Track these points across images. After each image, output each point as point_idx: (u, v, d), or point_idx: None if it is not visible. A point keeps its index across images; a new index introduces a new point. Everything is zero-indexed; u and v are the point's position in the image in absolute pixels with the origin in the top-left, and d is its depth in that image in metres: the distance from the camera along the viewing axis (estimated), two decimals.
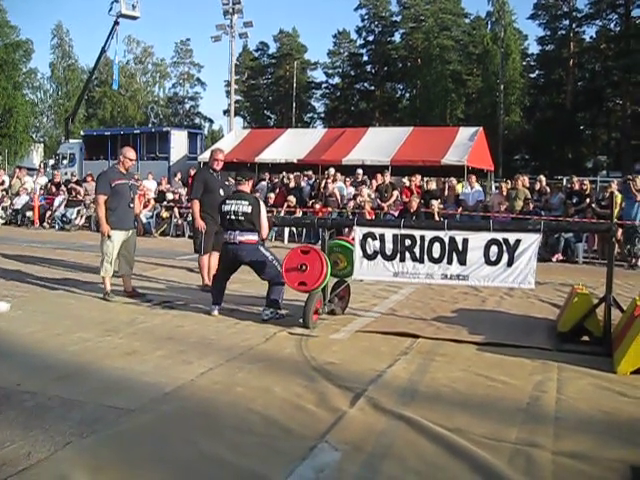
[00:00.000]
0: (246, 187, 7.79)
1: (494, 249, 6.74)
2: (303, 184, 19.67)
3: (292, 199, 18.13)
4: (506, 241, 6.72)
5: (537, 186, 16.93)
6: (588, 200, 15.24)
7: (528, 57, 59.80)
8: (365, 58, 67.56)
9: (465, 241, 6.85)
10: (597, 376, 5.43)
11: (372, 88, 67.31)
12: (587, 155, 56.48)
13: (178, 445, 3.85)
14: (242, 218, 7.39)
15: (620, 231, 11.86)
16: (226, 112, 64.09)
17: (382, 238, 7.18)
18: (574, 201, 15.31)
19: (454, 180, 19.06)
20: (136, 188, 8.87)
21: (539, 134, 53.12)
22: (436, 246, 6.93)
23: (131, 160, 8.57)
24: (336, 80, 70.93)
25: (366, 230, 7.31)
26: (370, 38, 66.25)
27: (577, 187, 16.10)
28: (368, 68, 67.69)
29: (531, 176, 20.56)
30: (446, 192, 17.87)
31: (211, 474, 3.50)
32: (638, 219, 13.68)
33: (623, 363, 5.48)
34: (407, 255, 7.06)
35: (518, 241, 6.70)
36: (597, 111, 53.74)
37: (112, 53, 39.60)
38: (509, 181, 17.90)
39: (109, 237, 8.26)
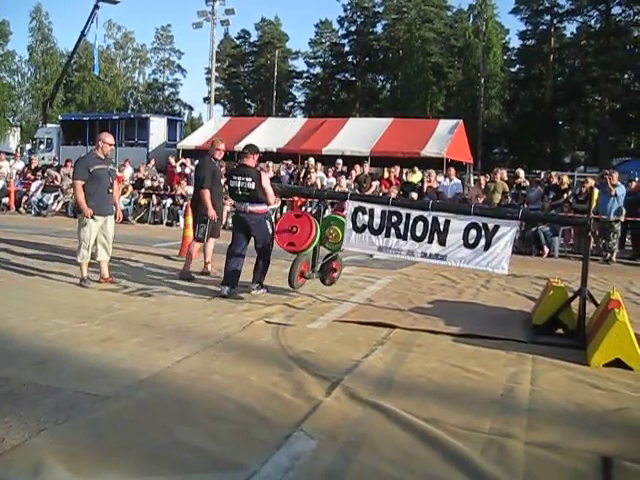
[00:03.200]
0: (251, 161, 8.22)
1: (473, 232, 6.92)
2: (282, 173, 19.62)
3: None
4: (485, 226, 6.89)
5: (518, 180, 17.02)
6: (565, 195, 15.37)
7: (509, 51, 59.91)
8: (347, 48, 67.42)
9: (447, 222, 7.08)
10: (571, 368, 5.50)
11: (353, 79, 67.24)
12: (565, 150, 56.91)
13: (153, 432, 3.85)
14: (248, 194, 7.97)
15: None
16: (206, 99, 64.06)
17: (371, 213, 7.52)
18: (551, 196, 15.44)
19: (433, 172, 19.09)
20: (115, 174, 8.80)
21: (518, 128, 53.42)
22: (419, 225, 7.21)
23: (110, 145, 8.50)
24: (317, 70, 70.83)
25: (357, 204, 7.67)
26: (352, 28, 66.10)
27: (555, 182, 16.23)
28: (349, 58, 67.61)
29: (510, 170, 20.68)
30: (425, 184, 17.90)
31: (186, 461, 3.50)
32: (613, 214, 13.83)
33: (596, 356, 5.55)
34: (392, 231, 7.37)
35: (497, 227, 6.86)
36: (576, 107, 54.05)
37: (92, 37, 39.19)
38: (488, 174, 17.98)
39: (92, 218, 8.19)
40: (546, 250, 14.06)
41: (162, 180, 19.79)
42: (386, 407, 4.34)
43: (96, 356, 5.30)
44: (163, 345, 5.69)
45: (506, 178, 16.89)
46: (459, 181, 18.66)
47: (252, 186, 7.93)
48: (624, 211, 13.98)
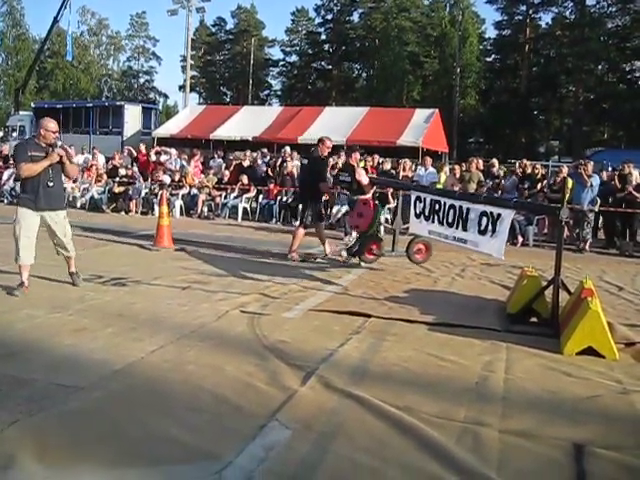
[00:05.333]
0: (352, 159, 10.79)
1: (484, 220, 7.43)
2: (259, 162, 19.50)
3: (244, 178, 17.98)
4: (492, 214, 7.35)
5: (493, 170, 17.07)
6: (540, 185, 15.45)
7: (485, 41, 60.04)
8: (323, 37, 67.26)
9: (468, 210, 7.71)
10: (544, 357, 5.54)
11: (329, 67, 67.09)
12: (540, 140, 57.30)
13: (127, 423, 3.82)
14: (347, 185, 10.27)
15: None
16: (181, 87, 63.69)
17: (424, 201, 8.60)
18: (526, 185, 15.52)
19: (408, 161, 19.09)
20: (60, 166, 7.44)
21: (494, 118, 53.67)
22: (451, 212, 8.05)
23: (54, 132, 7.38)
24: (293, 58, 70.65)
25: (417, 194, 8.87)
26: (329, 17, 65.93)
27: (529, 171, 16.31)
28: (326, 47, 67.39)
29: (485, 159, 20.74)
30: (400, 173, 17.88)
31: (161, 452, 3.48)
32: (587, 204, 13.95)
33: (569, 344, 5.60)
34: (435, 217, 8.36)
35: (499, 215, 7.26)
36: (550, 97, 54.35)
37: (65, 24, 38.57)
38: (463, 164, 18.01)
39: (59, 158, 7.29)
40: (520, 239, 14.14)
41: (135, 169, 19.55)
42: (361, 396, 4.34)
43: (70, 347, 5.25)
44: (137, 335, 5.65)
45: (482, 167, 16.94)
46: (434, 170, 18.65)
47: (349, 179, 9.93)
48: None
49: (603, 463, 3.60)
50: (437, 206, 8.31)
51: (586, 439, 3.86)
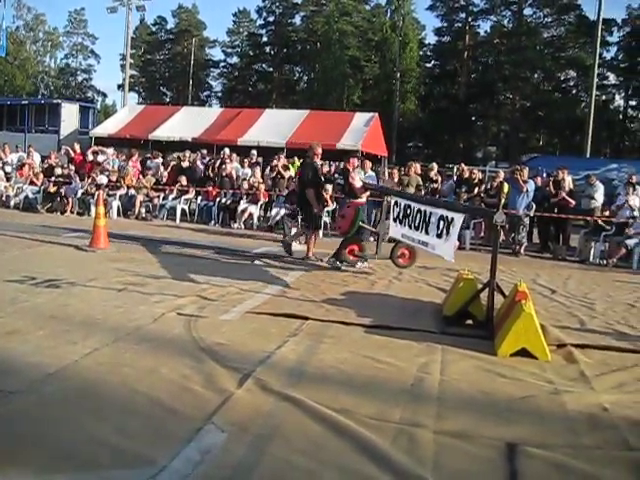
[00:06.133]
0: (348, 164, 10.68)
1: (441, 223, 7.69)
2: (198, 163, 19.34)
3: (183, 179, 17.82)
4: (447, 218, 7.59)
5: (431, 174, 17.26)
6: (477, 189, 15.70)
7: (425, 47, 60.88)
8: (265, 39, 67.17)
9: (430, 214, 7.96)
10: (479, 358, 5.63)
11: (270, 69, 67.02)
12: (477, 145, 58.37)
13: (61, 427, 3.74)
14: (341, 188, 10.71)
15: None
16: (120, 87, 62.41)
17: (400, 206, 9.03)
18: (463, 189, 15.75)
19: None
20: None
21: (433, 123, 54.42)
22: (418, 216, 8.38)
23: None
24: (234, 60, 70.37)
25: (395, 199, 9.35)
26: (270, 19, 65.88)
27: (467, 176, 16.56)
28: (267, 49, 67.34)
29: (423, 164, 20.97)
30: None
31: (94, 456, 3.41)
32: (523, 209, 14.24)
33: (503, 346, 5.71)
34: (406, 221, 8.75)
35: (452, 219, 7.50)
36: (488, 103, 55.43)
37: None
38: (402, 168, 18.17)
39: None
40: (456, 243, 14.30)
41: (72, 168, 19.16)
42: (298, 398, 4.34)
43: (1, 350, 5.11)
44: (72, 338, 5.52)
45: (420, 172, 17.12)
46: (374, 174, 18.77)
47: (342, 182, 10.42)
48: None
49: (535, 461, 3.67)
50: (408, 210, 8.69)
51: (519, 438, 3.93)
